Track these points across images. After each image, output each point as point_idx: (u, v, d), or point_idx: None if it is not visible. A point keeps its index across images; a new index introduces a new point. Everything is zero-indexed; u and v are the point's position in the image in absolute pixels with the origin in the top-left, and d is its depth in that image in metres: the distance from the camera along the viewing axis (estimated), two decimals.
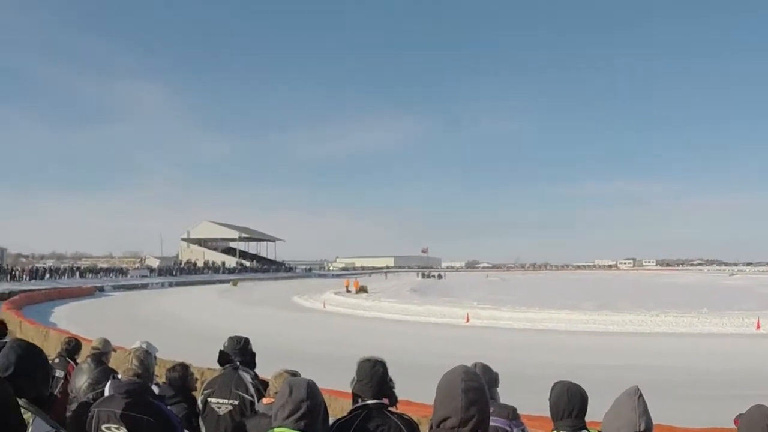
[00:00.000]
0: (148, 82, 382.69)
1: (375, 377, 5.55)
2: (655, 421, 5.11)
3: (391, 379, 5.74)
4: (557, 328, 51.49)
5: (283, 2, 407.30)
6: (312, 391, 4.47)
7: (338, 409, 5.68)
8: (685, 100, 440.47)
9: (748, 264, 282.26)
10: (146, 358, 6.40)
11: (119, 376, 6.39)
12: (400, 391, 5.93)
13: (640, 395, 4.97)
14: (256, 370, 8.10)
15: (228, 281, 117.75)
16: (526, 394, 9.79)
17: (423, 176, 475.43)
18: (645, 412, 4.94)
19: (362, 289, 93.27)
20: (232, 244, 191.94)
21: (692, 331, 49.05)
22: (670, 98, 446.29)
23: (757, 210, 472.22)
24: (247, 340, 8.14)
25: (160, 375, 9.95)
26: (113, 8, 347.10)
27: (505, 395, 7.47)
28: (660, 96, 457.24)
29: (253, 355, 8.15)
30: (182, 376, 8.65)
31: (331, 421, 5.31)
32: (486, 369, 6.88)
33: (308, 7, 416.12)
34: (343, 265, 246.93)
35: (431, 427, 3.66)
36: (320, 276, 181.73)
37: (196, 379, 9.05)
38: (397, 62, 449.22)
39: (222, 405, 7.59)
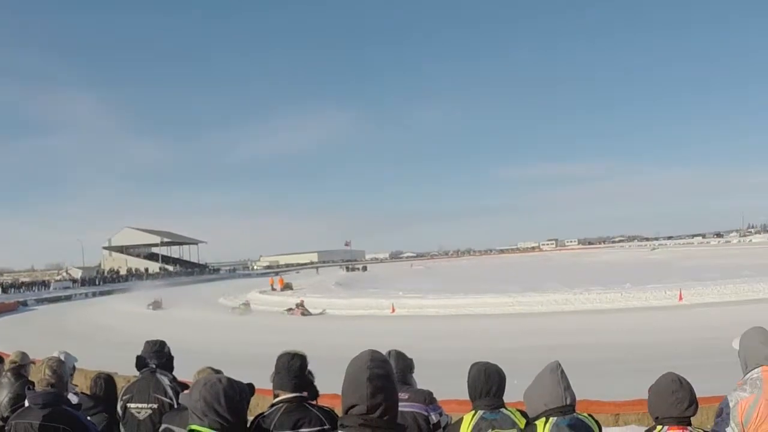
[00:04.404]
0: (64, 88, 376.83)
1: (293, 370, 5.53)
2: (583, 396, 5.14)
3: (310, 372, 5.73)
4: (483, 312, 51.85)
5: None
6: (227, 389, 4.44)
7: (265, 406, 5.61)
8: (602, 82, 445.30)
9: (669, 238, 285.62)
10: (59, 367, 6.33)
11: (35, 388, 6.33)
12: (327, 385, 5.92)
13: (562, 369, 5.04)
14: (176, 373, 8.05)
15: (154, 288, 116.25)
16: (450, 379, 9.79)
17: (343, 171, 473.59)
18: (569, 386, 5.03)
19: (287, 286, 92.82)
20: (155, 250, 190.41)
21: (616, 306, 49.81)
22: (586, 80, 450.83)
23: (675, 184, 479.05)
24: (162, 343, 8.07)
25: (81, 385, 9.84)
26: (27, 14, 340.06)
27: (430, 381, 7.47)
28: (576, 78, 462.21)
29: (171, 357, 8.08)
30: (106, 387, 8.58)
31: (251, 417, 5.27)
32: (400, 356, 6.91)
33: (231, 4, 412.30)
34: (267, 264, 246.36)
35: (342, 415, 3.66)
36: (245, 276, 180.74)
37: (122, 388, 8.94)
38: (314, 60, 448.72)
39: (141, 410, 7.52)
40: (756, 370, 5.48)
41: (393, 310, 56.76)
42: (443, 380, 9.91)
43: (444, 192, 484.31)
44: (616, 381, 21.54)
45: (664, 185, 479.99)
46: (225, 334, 48.01)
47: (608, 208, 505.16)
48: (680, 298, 50.00)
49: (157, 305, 76.67)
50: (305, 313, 57.39)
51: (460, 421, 5.63)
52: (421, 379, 7.29)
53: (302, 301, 60.96)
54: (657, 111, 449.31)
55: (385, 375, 3.58)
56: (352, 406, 3.52)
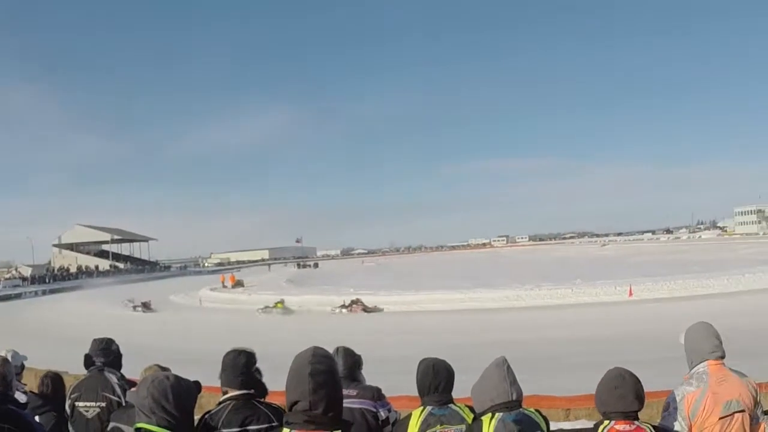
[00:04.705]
0: (17, 81, 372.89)
1: (238, 367, 5.52)
2: (534, 392, 5.17)
3: (257, 370, 5.68)
4: (434, 308, 51.96)
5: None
6: (175, 386, 4.42)
7: (214, 403, 5.60)
8: (552, 81, 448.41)
9: (619, 234, 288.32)
10: (3, 366, 6.24)
11: None
12: (281, 383, 5.89)
13: (508, 365, 5.07)
14: (126, 371, 7.99)
15: (101, 285, 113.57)
16: (401, 375, 9.80)
17: (296, 167, 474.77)
18: (515, 382, 5.05)
19: (238, 284, 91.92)
20: (105, 247, 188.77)
21: (567, 302, 50.18)
22: (537, 76, 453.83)
23: (625, 182, 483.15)
24: (109, 341, 7.99)
25: (31, 384, 9.73)
26: None
27: (381, 377, 7.49)
28: (525, 75, 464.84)
29: (119, 355, 8.01)
30: (53, 386, 8.50)
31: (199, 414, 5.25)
32: (347, 352, 6.87)
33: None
34: (218, 261, 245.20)
35: (286, 411, 3.67)
36: (196, 273, 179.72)
37: (70, 387, 8.85)
38: (266, 54, 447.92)
39: (90, 408, 7.45)
40: (702, 364, 5.59)
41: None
42: (395, 376, 9.94)
43: (396, 189, 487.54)
44: (567, 376, 21.68)
45: (615, 182, 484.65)
46: (171, 329, 47.73)
47: (559, 204, 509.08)
48: (630, 294, 50.48)
49: (146, 307, 68.31)
50: (367, 309, 55.33)
51: (409, 417, 5.65)
52: (373, 375, 7.27)
53: (358, 299, 58.59)
54: (607, 109, 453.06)
55: (328, 371, 3.63)
56: (295, 402, 3.57)
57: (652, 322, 35.85)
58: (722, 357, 5.55)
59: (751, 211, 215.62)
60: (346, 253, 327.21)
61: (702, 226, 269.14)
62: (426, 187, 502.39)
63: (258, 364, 5.69)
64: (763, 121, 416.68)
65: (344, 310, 55.63)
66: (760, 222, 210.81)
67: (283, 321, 52.44)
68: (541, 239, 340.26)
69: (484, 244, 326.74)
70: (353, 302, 56.48)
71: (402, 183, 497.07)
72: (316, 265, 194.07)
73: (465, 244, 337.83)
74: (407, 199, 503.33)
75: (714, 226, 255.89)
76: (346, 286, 73.87)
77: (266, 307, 60.50)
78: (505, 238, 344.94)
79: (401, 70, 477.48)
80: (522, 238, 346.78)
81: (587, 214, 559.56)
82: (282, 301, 61.36)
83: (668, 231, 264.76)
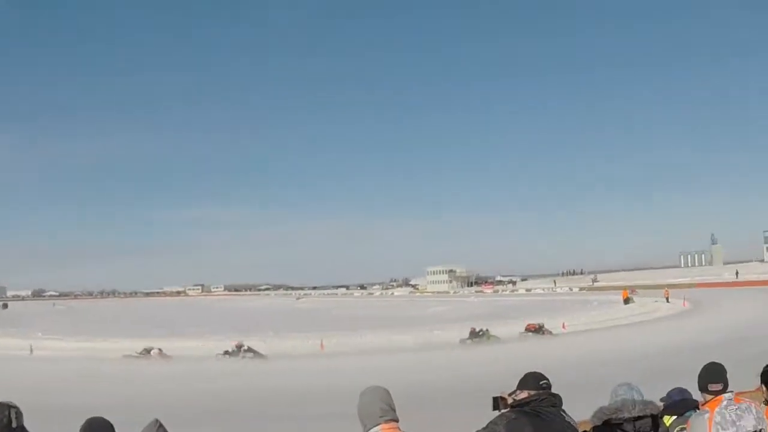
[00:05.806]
0: None
1: None
2: None
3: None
4: (121, 356, 51.22)
5: None
6: None
7: None
8: (249, 131, 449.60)
9: (314, 288, 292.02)
10: None
11: None
12: None
13: (160, 425, 5.14)
14: None
15: None
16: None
17: None
18: None
19: None
20: None
21: (261, 353, 50.34)
22: (231, 126, 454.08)
23: (322, 236, 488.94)
24: None
25: None
26: None
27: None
28: (220, 123, 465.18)
29: None
30: None
31: None
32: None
33: None
34: None
35: None
36: None
37: None
38: None
39: None
40: (376, 428, 5.69)
41: (31, 352, 55.32)
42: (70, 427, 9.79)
43: (91, 230, 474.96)
44: (256, 428, 21.89)
45: (312, 236, 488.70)
46: None
47: (255, 255, 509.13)
48: (322, 347, 51.24)
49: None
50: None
51: None
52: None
53: None
54: (306, 162, 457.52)
55: None
56: None
57: (342, 375, 36.46)
58: (394, 420, 5.70)
59: (443, 270, 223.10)
60: (38, 294, 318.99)
61: (395, 283, 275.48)
62: (123, 231, 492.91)
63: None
64: (451, 184, 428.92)
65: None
66: (450, 281, 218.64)
67: None
68: (236, 289, 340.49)
69: (178, 292, 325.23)
70: None
71: (98, 225, 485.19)
72: (5, 306, 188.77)
73: (160, 291, 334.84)
74: (104, 241, 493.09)
75: (407, 283, 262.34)
76: (35, 330, 72.26)
77: None
78: (200, 287, 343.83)
79: (110, 111, 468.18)
80: (217, 287, 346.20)
81: (283, 266, 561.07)
82: None
83: (362, 287, 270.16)
